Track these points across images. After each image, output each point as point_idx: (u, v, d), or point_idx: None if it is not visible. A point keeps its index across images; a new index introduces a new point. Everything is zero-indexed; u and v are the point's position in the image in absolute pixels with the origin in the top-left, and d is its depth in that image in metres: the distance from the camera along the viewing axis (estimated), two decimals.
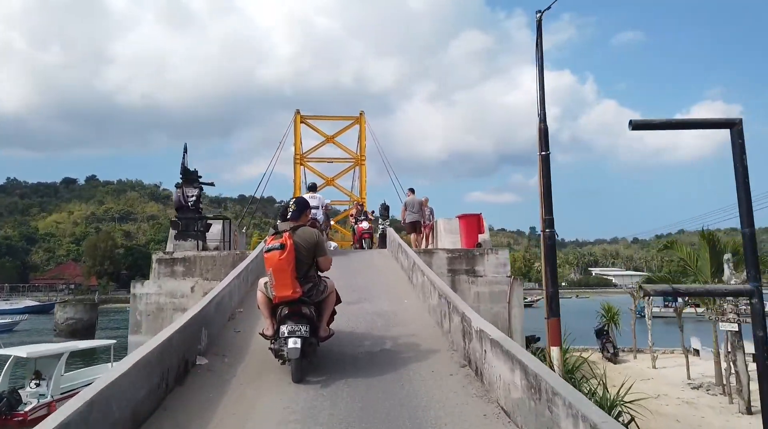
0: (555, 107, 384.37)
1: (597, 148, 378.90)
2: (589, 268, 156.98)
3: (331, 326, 6.07)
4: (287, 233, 5.50)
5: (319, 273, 5.86)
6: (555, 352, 8.33)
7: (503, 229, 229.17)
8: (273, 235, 5.64)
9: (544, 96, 8.83)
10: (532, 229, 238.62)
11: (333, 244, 15.84)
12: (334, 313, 6.15)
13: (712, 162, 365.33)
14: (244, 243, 17.47)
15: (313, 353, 5.61)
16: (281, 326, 5.45)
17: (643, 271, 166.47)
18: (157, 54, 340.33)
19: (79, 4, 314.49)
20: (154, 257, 12.90)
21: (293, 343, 5.28)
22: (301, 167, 39.66)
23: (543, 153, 8.74)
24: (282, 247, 5.38)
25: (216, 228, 14.49)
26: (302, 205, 5.92)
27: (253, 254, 10.88)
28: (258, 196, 30.25)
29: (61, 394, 14.28)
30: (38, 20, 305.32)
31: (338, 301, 6.17)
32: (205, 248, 13.28)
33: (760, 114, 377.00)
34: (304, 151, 39.79)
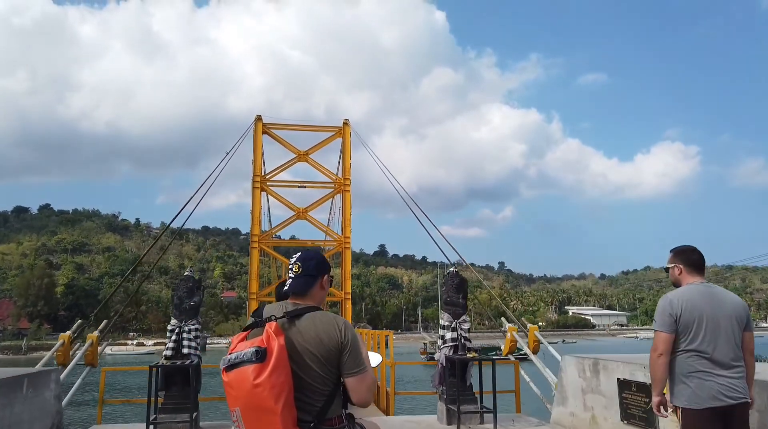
0: (522, 145, 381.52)
1: (563, 184, 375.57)
2: (565, 307, 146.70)
3: None
4: (273, 325, 2.26)
5: (350, 410, 2.49)
6: None
7: (472, 264, 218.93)
8: (246, 329, 2.36)
9: None
10: (501, 264, 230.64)
11: (377, 356, 3.88)
12: None
13: (672, 199, 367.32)
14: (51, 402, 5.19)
15: None
16: None
17: (616, 310, 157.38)
18: (124, 82, 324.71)
19: (48, 30, 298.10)
20: None
21: None
22: (263, 193, 27.86)
23: None
24: (260, 355, 2.16)
25: None
26: (317, 265, 2.52)
27: None
28: (179, 224, 17.61)
29: None
30: (4, 45, 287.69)
31: None
32: None
33: (716, 155, 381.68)
34: (267, 172, 28.07)
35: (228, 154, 18.88)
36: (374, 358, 2.98)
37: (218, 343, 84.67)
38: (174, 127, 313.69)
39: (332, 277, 2.64)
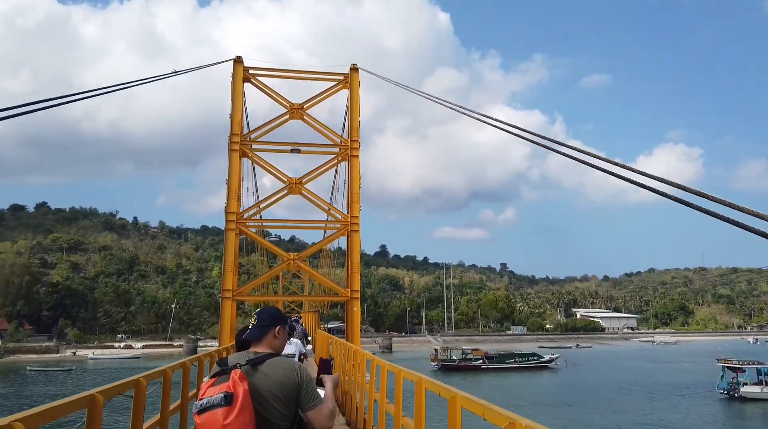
0: (525, 146, 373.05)
1: (565, 186, 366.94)
2: (573, 309, 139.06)
3: None
4: (238, 372, 2.59)
5: None
6: None
7: (474, 265, 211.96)
8: (214, 376, 2.67)
9: None
10: (503, 265, 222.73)
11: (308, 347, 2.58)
12: None
13: (673, 202, 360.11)
14: None
15: None
16: None
17: (621, 312, 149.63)
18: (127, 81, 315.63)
19: (52, 31, 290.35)
20: None
21: None
22: (243, 159, 20.71)
23: None
24: (228, 399, 2.49)
25: None
26: (269, 317, 2.93)
27: None
28: None
29: None
30: (7, 46, 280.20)
31: None
32: None
33: (719, 157, 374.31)
34: (249, 130, 21.01)
35: (173, 72, 11.51)
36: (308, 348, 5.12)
37: (212, 346, 77.31)
38: (176, 128, 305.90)
39: (289, 332, 3.20)
